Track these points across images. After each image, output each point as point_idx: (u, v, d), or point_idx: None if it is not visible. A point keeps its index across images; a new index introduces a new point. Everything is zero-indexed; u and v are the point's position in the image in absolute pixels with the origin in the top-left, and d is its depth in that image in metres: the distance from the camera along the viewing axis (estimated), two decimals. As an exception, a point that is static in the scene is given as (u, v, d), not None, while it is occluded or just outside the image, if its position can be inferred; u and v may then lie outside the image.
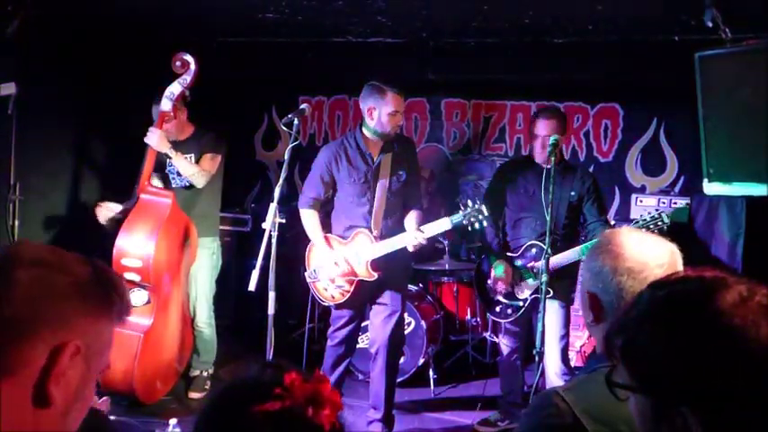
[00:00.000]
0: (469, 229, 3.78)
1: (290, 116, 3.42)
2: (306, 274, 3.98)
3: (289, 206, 4.46)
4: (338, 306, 3.96)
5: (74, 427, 1.05)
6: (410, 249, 3.77)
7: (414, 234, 3.74)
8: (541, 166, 3.83)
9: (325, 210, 4.06)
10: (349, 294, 3.87)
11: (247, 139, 6.53)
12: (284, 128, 3.48)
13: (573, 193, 3.93)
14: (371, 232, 3.81)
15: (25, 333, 0.96)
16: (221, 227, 5.66)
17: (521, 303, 3.96)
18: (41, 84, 4.37)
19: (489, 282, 4.03)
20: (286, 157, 3.31)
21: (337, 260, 3.80)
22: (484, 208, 3.69)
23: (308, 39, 5.17)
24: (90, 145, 4.98)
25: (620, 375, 1.07)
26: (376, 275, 3.82)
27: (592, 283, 1.63)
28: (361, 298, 3.93)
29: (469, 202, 3.73)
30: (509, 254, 4.02)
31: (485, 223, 3.77)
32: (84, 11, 4.40)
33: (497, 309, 4.06)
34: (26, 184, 4.30)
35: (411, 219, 3.88)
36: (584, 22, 4.25)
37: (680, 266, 1.59)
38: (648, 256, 1.56)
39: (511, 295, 3.99)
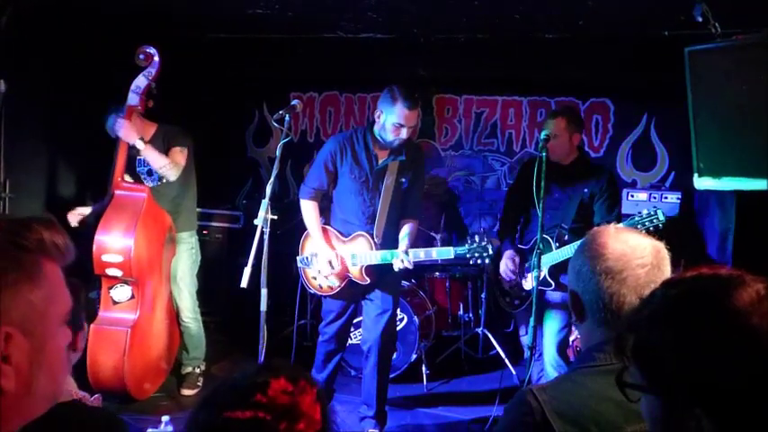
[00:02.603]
0: (471, 263, 3.77)
1: (280, 112, 3.40)
2: (298, 258, 3.99)
3: (280, 203, 4.46)
4: (329, 301, 3.96)
5: (50, 393, 1.01)
6: (395, 269, 3.74)
7: (401, 257, 3.67)
8: (556, 164, 3.85)
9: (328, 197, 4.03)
10: (337, 290, 3.87)
11: (238, 136, 6.51)
12: (275, 124, 3.46)
13: (586, 191, 3.89)
14: (373, 238, 3.79)
15: None
16: (214, 223, 5.68)
17: (524, 294, 3.98)
18: (30, 81, 4.34)
19: (501, 272, 4.07)
20: (277, 153, 3.30)
21: (331, 260, 3.79)
22: (490, 247, 3.68)
23: (298, 35, 5.15)
24: (79, 142, 4.94)
25: (632, 375, 1.04)
26: (368, 281, 3.81)
27: (574, 283, 1.62)
28: (352, 294, 3.93)
29: (477, 238, 3.71)
30: (520, 246, 4.06)
31: (487, 261, 3.75)
32: (73, 7, 4.38)
33: (507, 299, 4.11)
34: (15, 181, 4.27)
35: (404, 232, 3.82)
36: (574, 18, 4.25)
37: (666, 267, 1.56)
38: (630, 256, 1.54)
39: (518, 286, 4.02)
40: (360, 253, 3.79)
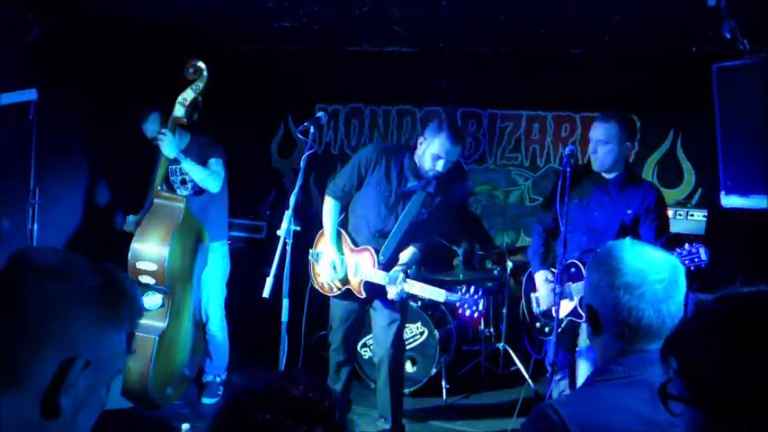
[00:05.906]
0: (459, 312, 3.72)
1: (306, 124, 3.41)
2: (310, 251, 4.00)
3: (304, 214, 4.47)
4: (332, 307, 3.98)
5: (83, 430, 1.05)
6: (389, 296, 3.72)
7: (397, 285, 3.65)
8: (600, 175, 3.65)
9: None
10: (338, 293, 3.88)
11: (263, 147, 6.57)
12: (300, 136, 3.48)
13: (629, 212, 3.58)
14: (378, 256, 3.76)
15: (32, 349, 0.96)
16: (236, 233, 5.72)
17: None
18: (61, 90, 4.43)
19: (534, 295, 3.93)
20: (302, 164, 3.31)
21: (335, 263, 3.81)
22: (482, 303, 3.63)
23: (324, 47, 5.20)
24: (107, 151, 5.03)
25: (676, 387, 1.04)
26: (363, 296, 3.81)
27: (591, 297, 1.62)
28: (354, 301, 3.90)
29: (472, 290, 3.68)
30: (552, 269, 3.83)
31: (475, 315, 3.66)
32: (102, 19, 4.46)
33: (538, 324, 3.93)
34: (45, 188, 4.35)
35: (407, 253, 3.81)
36: (600, 33, 4.24)
37: (682, 282, 1.56)
38: (647, 271, 1.54)
39: (549, 313, 3.79)
40: (362, 266, 3.79)
